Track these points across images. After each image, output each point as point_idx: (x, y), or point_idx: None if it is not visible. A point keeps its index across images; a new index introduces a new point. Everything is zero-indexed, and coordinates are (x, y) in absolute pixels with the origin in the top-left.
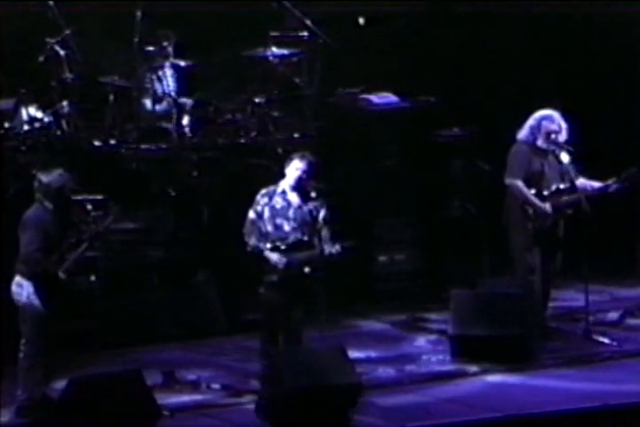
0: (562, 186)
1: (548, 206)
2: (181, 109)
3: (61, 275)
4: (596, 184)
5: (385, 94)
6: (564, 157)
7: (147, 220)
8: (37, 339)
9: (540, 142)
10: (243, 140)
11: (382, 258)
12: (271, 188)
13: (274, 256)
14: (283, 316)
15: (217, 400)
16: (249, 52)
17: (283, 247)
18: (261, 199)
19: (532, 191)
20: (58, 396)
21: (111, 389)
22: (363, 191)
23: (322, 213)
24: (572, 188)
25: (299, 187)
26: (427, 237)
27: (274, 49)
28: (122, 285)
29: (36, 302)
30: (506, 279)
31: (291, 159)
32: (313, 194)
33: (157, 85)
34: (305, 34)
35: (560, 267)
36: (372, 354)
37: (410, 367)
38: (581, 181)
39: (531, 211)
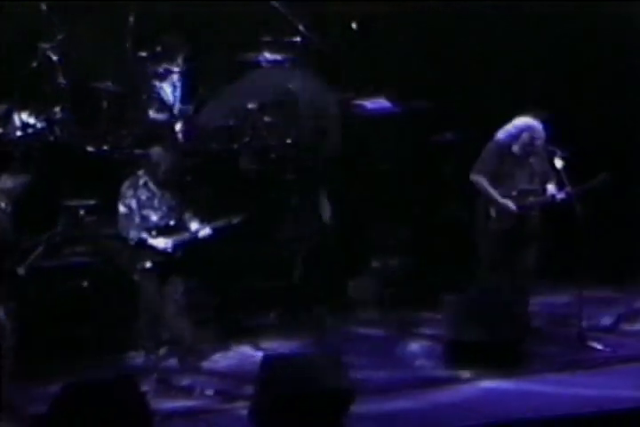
0: (528, 187)
1: (510, 204)
2: (174, 115)
3: (21, 271)
4: (553, 193)
5: (378, 100)
6: (558, 163)
7: None
8: None
9: (515, 149)
10: (235, 146)
11: (376, 263)
12: (133, 180)
13: (160, 242)
14: (161, 301)
15: (210, 406)
16: (242, 57)
17: (158, 234)
18: (127, 192)
19: (499, 191)
20: (51, 401)
21: (105, 394)
22: (355, 196)
23: (184, 200)
24: (542, 190)
25: (159, 177)
26: (420, 242)
27: (266, 54)
28: (115, 289)
29: None
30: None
31: (148, 151)
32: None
33: (151, 91)
34: (298, 39)
35: (533, 267)
36: (365, 359)
37: (403, 373)
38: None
39: (493, 210)
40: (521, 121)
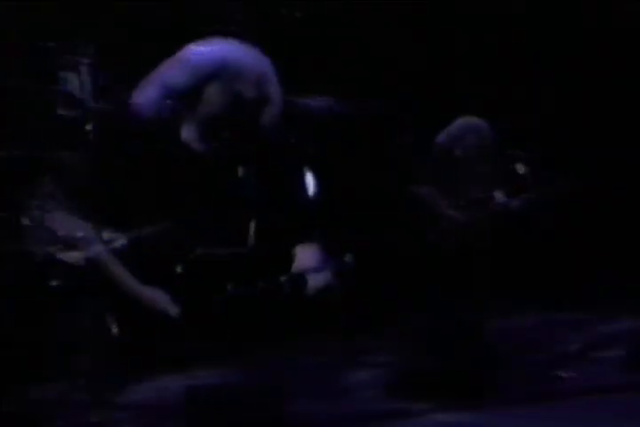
0: (478, 196)
1: (458, 215)
2: (89, 116)
3: None
4: (503, 200)
5: (324, 98)
6: (520, 168)
7: None
8: None
9: (458, 153)
10: (157, 149)
11: None
12: (38, 188)
13: (70, 256)
14: (73, 324)
15: None
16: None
17: (67, 248)
18: (31, 202)
19: (445, 202)
20: None
21: None
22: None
23: (97, 208)
24: (490, 199)
25: (67, 184)
26: (368, 259)
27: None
28: (21, 312)
29: None
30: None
31: (56, 155)
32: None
33: (66, 89)
34: (236, 29)
35: (492, 287)
36: (307, 389)
37: (349, 405)
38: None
39: (440, 224)
40: (463, 121)
